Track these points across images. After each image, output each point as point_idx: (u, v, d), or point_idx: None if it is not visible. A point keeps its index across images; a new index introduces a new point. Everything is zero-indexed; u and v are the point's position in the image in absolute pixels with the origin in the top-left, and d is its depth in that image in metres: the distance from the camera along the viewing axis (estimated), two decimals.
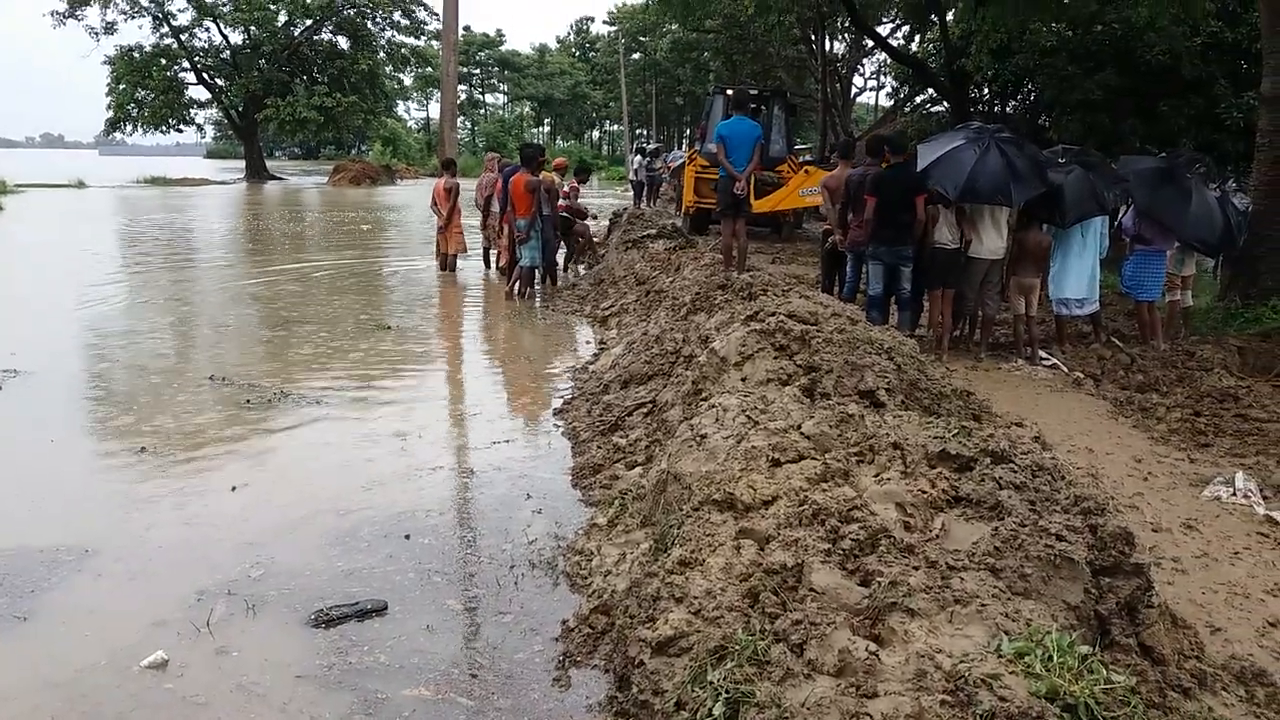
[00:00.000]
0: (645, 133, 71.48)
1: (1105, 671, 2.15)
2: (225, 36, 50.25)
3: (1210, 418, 6.66)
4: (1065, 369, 7.88)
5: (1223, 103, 15.32)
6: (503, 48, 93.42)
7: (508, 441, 6.01)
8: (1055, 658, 2.17)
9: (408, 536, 4.46)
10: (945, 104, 21.12)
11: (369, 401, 6.95)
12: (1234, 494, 5.06)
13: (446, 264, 14.07)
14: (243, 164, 53.28)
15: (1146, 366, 7.81)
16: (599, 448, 5.66)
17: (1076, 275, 8.39)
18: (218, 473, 5.32)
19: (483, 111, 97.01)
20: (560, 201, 13.44)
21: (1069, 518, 2.89)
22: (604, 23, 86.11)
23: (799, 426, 3.87)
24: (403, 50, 55.91)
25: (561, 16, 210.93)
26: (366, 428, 6.26)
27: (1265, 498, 5.05)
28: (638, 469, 5.09)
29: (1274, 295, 9.47)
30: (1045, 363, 8.06)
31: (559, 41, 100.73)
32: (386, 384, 7.49)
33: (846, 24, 28.43)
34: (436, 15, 48.34)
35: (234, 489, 5.05)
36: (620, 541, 4.13)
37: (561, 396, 7.13)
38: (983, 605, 2.43)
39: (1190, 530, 4.58)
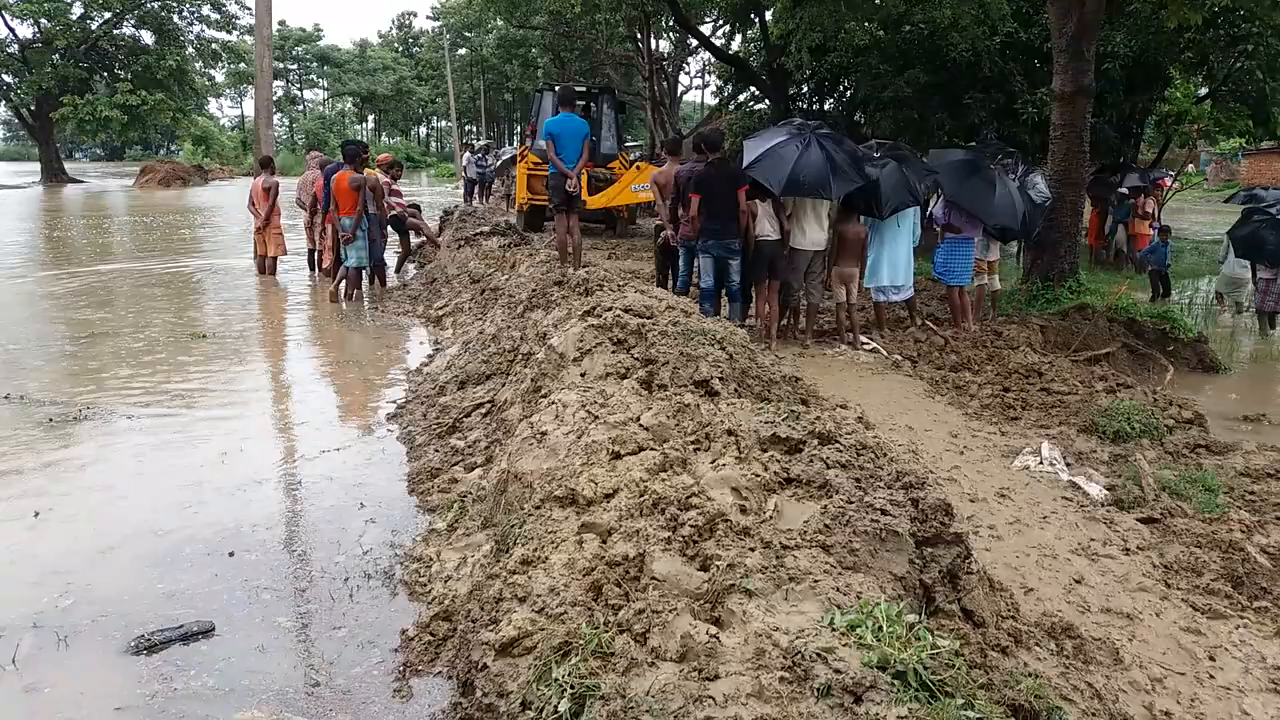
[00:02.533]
0: (475, 129, 70.65)
1: (931, 637, 2.25)
2: (12, 30, 46.18)
3: (1018, 393, 7.15)
4: (885, 352, 8.28)
5: (1020, 98, 16.45)
6: (321, 43, 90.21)
7: (338, 450, 5.78)
8: (885, 627, 2.26)
9: (232, 554, 4.23)
10: (767, 101, 21.77)
11: (185, 415, 6.55)
12: (1041, 463, 5.44)
13: (266, 267, 13.45)
14: (37, 166, 49.31)
15: (959, 347, 8.30)
16: (436, 451, 5.53)
17: (892, 264, 8.83)
18: (17, 499, 4.89)
19: (301, 108, 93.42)
20: (398, 200, 13.15)
21: (892, 493, 3.02)
22: (427, 18, 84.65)
23: (638, 418, 3.90)
24: (213, 45, 53.01)
25: (382, 11, 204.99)
26: (184, 443, 5.90)
27: (1068, 464, 5.46)
28: (477, 470, 5.01)
29: (1070, 277, 10.27)
30: (866, 347, 8.45)
31: (381, 36, 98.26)
32: (204, 396, 7.08)
33: (671, 23, 28.87)
34: (248, 9, 46.21)
35: (37, 515, 4.66)
36: (460, 545, 4.05)
37: (395, 400, 6.93)
38: (815, 581, 2.51)
39: (1003, 498, 4.89)
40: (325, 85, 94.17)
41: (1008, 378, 7.51)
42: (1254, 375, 9.28)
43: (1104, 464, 5.54)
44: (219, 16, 51.34)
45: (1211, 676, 3.21)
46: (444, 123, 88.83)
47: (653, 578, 2.70)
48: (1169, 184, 19.80)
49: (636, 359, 4.90)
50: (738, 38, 27.76)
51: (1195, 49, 16.36)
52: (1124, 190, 16.01)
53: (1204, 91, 19.07)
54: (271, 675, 3.27)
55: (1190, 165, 28.94)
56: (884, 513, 2.87)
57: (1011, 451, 5.71)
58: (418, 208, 15.42)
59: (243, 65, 58.16)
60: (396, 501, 4.96)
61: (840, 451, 3.38)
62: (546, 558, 3.00)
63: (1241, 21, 15.08)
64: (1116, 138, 17.43)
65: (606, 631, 2.50)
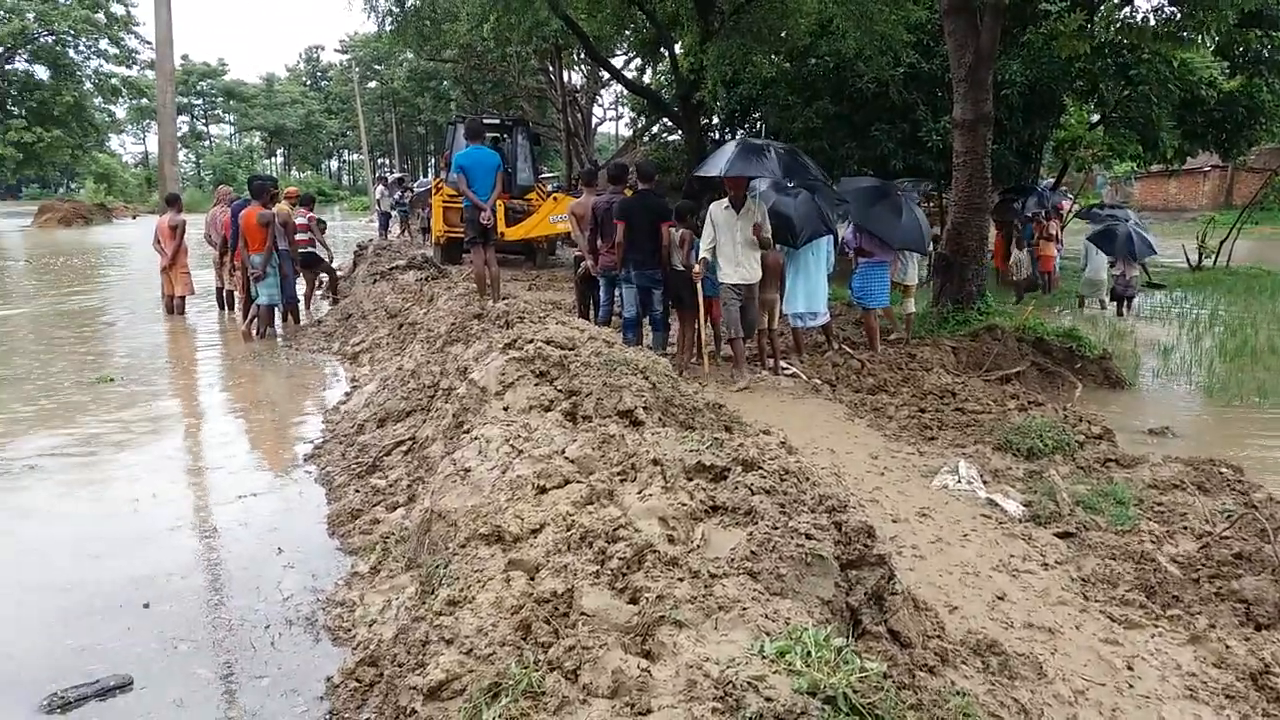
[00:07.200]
0: (387, 162, 70.00)
1: (859, 660, 2.27)
2: None
3: (934, 413, 7.30)
4: (804, 377, 8.39)
5: (924, 127, 16.97)
6: (226, 77, 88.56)
7: (254, 495, 5.62)
8: (813, 652, 2.27)
9: (147, 605, 4.07)
10: (680, 133, 22.03)
11: (94, 463, 6.30)
12: (959, 481, 5.55)
13: (173, 306, 13.06)
14: None
15: (876, 370, 8.45)
16: (356, 491, 5.41)
17: (808, 291, 8.97)
18: None
19: (208, 143, 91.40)
20: (302, 236, 12.88)
21: (816, 517, 3.05)
22: (336, 51, 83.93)
23: (563, 451, 3.88)
24: (112, 81, 51.62)
25: (289, 45, 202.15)
26: (92, 492, 5.67)
27: (985, 482, 5.58)
28: (400, 510, 4.91)
29: (978, 299, 10.56)
30: (786, 372, 8.55)
31: (288, 70, 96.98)
32: (113, 442, 6.82)
33: (582, 56, 29.09)
34: (149, 44, 45.21)
35: None
36: (384, 588, 3.96)
37: (312, 441, 6.77)
38: (744, 609, 2.52)
39: (925, 518, 4.97)
40: (232, 120, 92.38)
41: (923, 399, 7.68)
42: (1157, 389, 9.65)
43: (1019, 480, 5.69)
44: (118, 51, 50.17)
45: (1131, 686, 3.30)
46: (355, 156, 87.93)
47: (582, 613, 2.68)
48: (1067, 207, 20.57)
49: (560, 391, 4.88)
50: (649, 70, 28.10)
51: (1086, 78, 17.11)
52: (1028, 213, 16.58)
53: (1096, 118, 19.93)
54: None
55: (1087, 188, 30.20)
56: (809, 537, 2.89)
57: (930, 471, 5.82)
58: (322, 223, 15.06)
59: (145, 101, 56.76)
60: (317, 545, 4.83)
61: (764, 477, 3.40)
62: (473, 597, 2.95)
63: (1126, 51, 15.83)
64: (1017, 163, 18.06)
65: (536, 670, 2.46)
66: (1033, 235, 16.18)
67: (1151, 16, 12.47)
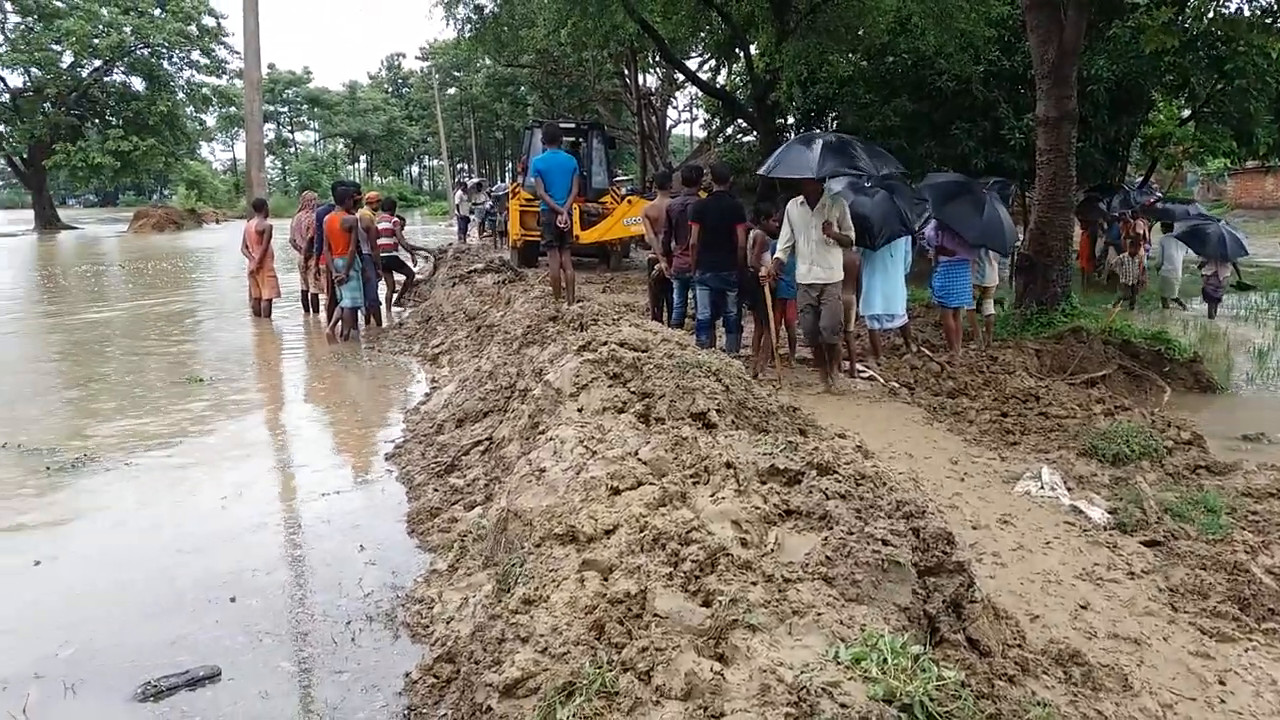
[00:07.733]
0: (466, 167, 71.09)
1: (937, 669, 2.24)
2: (2, 79, 46.51)
3: (1016, 417, 7.13)
4: (881, 380, 8.27)
5: (1006, 125, 16.60)
6: (310, 85, 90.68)
7: (337, 492, 5.76)
8: (890, 660, 2.24)
9: (234, 599, 4.21)
10: (755, 133, 21.91)
11: (184, 461, 6.53)
12: (1042, 488, 5.41)
13: (260, 309, 13.48)
14: (31, 214, 49.43)
15: (955, 373, 8.29)
16: (435, 490, 5.51)
17: (885, 292, 8.84)
18: (14, 550, 4.86)
19: (293, 150, 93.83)
20: (386, 240, 13.17)
21: (893, 522, 3.01)
22: (416, 58, 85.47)
23: (636, 453, 3.89)
24: (204, 90, 53.33)
25: (371, 53, 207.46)
26: (182, 489, 5.88)
27: (1069, 489, 5.44)
28: (477, 509, 4.99)
29: (1063, 300, 10.29)
30: (863, 375, 8.44)
31: (370, 78, 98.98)
32: (202, 441, 7.06)
33: (658, 59, 29.15)
34: (238, 54, 46.58)
35: (37, 563, 4.64)
36: (462, 586, 4.03)
37: (393, 440, 6.92)
38: (819, 614, 2.50)
39: (1006, 525, 4.86)
40: (316, 127, 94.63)
41: (1005, 402, 7.51)
42: (1252, 393, 9.28)
43: (1105, 487, 5.53)
44: (209, 62, 51.72)
45: (1223, 701, 3.18)
46: (435, 161, 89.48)
47: (655, 615, 2.69)
48: (1154, 204, 19.90)
49: (633, 393, 4.90)
50: (723, 72, 28.02)
51: (1176, 72, 16.55)
52: (1114, 213, 16.12)
53: (1187, 113, 19.25)
54: None
55: (1177, 185, 29.13)
56: (885, 543, 2.86)
57: (1012, 477, 5.69)
58: (402, 220, 15.27)
59: (233, 109, 58.49)
60: (397, 543, 4.94)
61: (839, 482, 3.37)
62: (548, 596, 2.98)
63: (1220, 44, 15.26)
64: (1104, 160, 17.55)
65: (610, 670, 2.48)
66: (1119, 235, 15.73)
67: (1246, 7, 12.02)
